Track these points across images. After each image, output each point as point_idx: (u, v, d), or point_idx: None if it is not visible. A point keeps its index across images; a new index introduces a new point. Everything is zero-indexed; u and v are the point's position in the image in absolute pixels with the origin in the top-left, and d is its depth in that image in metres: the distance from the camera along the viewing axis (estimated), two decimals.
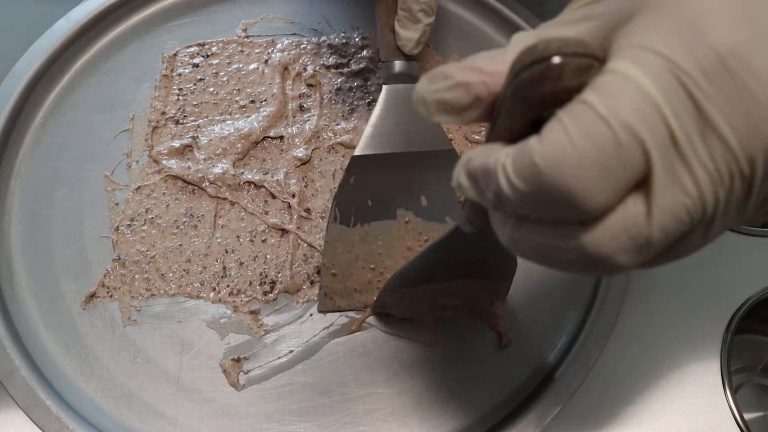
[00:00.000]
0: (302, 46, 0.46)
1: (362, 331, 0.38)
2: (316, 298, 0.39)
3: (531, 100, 0.18)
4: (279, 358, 0.37)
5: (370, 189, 0.38)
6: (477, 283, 0.36)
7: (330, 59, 0.46)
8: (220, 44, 0.46)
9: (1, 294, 0.37)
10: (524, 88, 0.18)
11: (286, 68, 0.45)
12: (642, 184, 0.17)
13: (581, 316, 0.39)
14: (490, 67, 0.20)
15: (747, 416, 0.38)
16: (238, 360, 0.37)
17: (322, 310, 0.38)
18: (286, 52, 0.46)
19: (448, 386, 0.37)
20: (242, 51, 0.46)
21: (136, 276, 0.39)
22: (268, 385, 0.37)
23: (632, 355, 0.38)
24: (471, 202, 0.24)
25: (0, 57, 0.44)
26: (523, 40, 0.20)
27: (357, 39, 0.47)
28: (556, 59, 0.17)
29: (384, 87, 0.39)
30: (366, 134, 0.38)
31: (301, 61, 0.46)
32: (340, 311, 0.38)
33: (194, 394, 0.36)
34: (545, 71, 0.17)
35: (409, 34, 0.38)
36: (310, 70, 0.45)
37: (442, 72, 0.20)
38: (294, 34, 0.47)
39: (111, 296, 0.38)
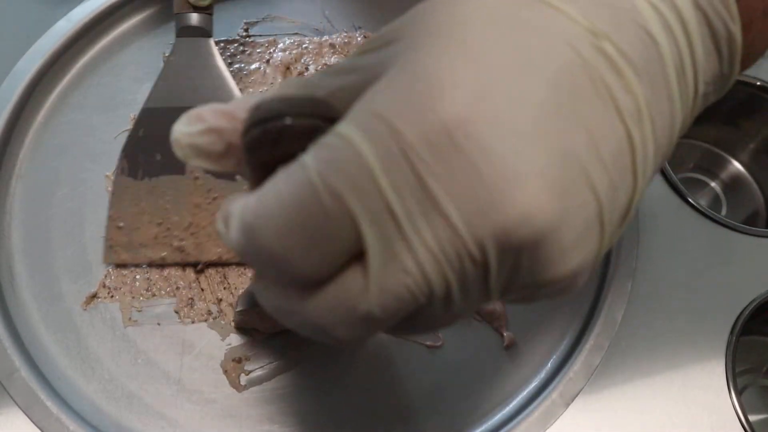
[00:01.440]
0: (304, 46, 0.46)
1: None
2: None
3: (260, 159, 0.17)
4: (280, 359, 0.37)
5: (159, 142, 0.37)
6: None
7: (332, 59, 0.46)
8: (222, 44, 0.45)
9: (1, 294, 0.37)
10: (249, 148, 0.17)
11: (287, 68, 0.45)
12: (363, 255, 0.16)
13: (585, 317, 0.39)
14: (242, 113, 0.18)
15: (752, 418, 0.37)
16: (239, 361, 0.37)
17: (107, 262, 0.38)
18: (287, 52, 0.46)
19: (450, 387, 0.37)
20: (244, 51, 0.45)
21: (137, 276, 0.39)
22: (270, 386, 0.36)
23: (636, 356, 0.38)
24: None
25: (1, 57, 0.44)
26: (284, 88, 0.18)
27: (359, 38, 0.47)
28: (273, 124, 0.16)
29: (176, 40, 0.40)
30: (156, 87, 0.38)
31: (302, 60, 0.46)
32: (125, 265, 0.38)
33: (195, 395, 0.36)
34: (263, 135, 0.16)
35: None
36: (312, 69, 0.45)
37: (198, 114, 0.19)
38: (296, 33, 0.47)
39: (112, 297, 0.38)
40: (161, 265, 0.38)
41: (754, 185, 0.53)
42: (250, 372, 0.37)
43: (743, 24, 0.19)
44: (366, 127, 0.15)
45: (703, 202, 0.45)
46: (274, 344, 0.37)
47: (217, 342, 0.37)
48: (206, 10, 0.40)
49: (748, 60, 0.20)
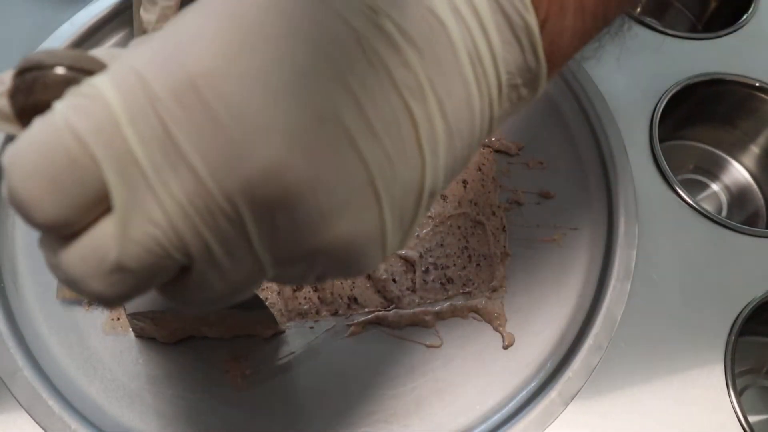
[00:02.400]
0: None
1: (364, 333, 0.38)
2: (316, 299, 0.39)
3: (20, 107, 0.17)
4: (281, 359, 0.37)
5: None
6: (232, 311, 0.34)
7: None
8: None
9: (4, 294, 0.38)
10: (10, 96, 0.17)
11: None
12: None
13: (584, 317, 0.39)
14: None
15: (752, 419, 0.37)
16: (239, 361, 0.37)
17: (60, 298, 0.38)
18: None
19: (450, 387, 0.37)
20: None
21: None
22: (270, 386, 0.37)
23: (635, 356, 0.38)
24: None
25: (4, 61, 0.44)
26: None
27: None
28: (29, 74, 0.16)
29: None
30: None
31: None
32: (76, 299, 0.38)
33: (196, 395, 0.36)
34: (18, 84, 0.16)
35: (147, 17, 0.40)
36: None
37: None
38: None
39: None
40: None
41: (754, 186, 0.53)
42: (250, 372, 0.37)
43: (541, 18, 0.19)
44: (118, 79, 0.15)
45: (703, 203, 0.45)
46: (274, 344, 0.38)
47: (218, 342, 0.37)
48: None
49: (557, 57, 0.20)
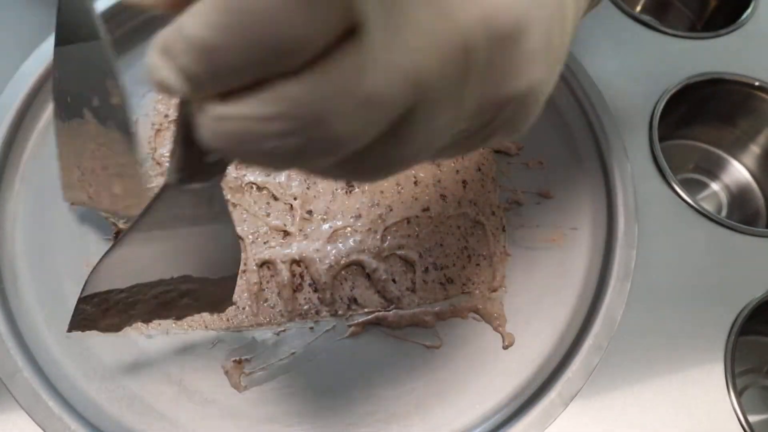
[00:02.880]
0: None
1: (364, 334, 0.38)
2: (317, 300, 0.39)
3: None
4: (281, 359, 0.37)
5: (68, 84, 0.37)
6: (198, 281, 0.31)
7: None
8: None
9: (4, 295, 0.38)
10: None
11: None
12: (356, 32, 0.14)
13: (584, 317, 0.39)
14: None
15: (752, 419, 0.37)
16: (240, 361, 0.37)
17: (65, 200, 0.39)
18: None
19: (450, 388, 0.37)
20: None
21: None
22: (270, 386, 0.37)
23: (635, 357, 0.38)
24: (179, 137, 0.20)
25: (5, 59, 0.44)
26: None
27: None
28: None
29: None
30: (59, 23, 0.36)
31: None
32: (84, 206, 0.39)
33: (196, 396, 0.36)
34: None
35: None
36: None
37: None
38: None
39: None
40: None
41: (754, 185, 0.53)
42: (250, 372, 0.37)
43: None
44: None
45: (702, 202, 0.45)
46: (274, 344, 0.38)
47: (217, 343, 0.37)
48: None
49: None
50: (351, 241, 0.40)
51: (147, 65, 0.15)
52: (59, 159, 0.38)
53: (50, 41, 0.45)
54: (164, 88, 0.15)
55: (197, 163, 0.20)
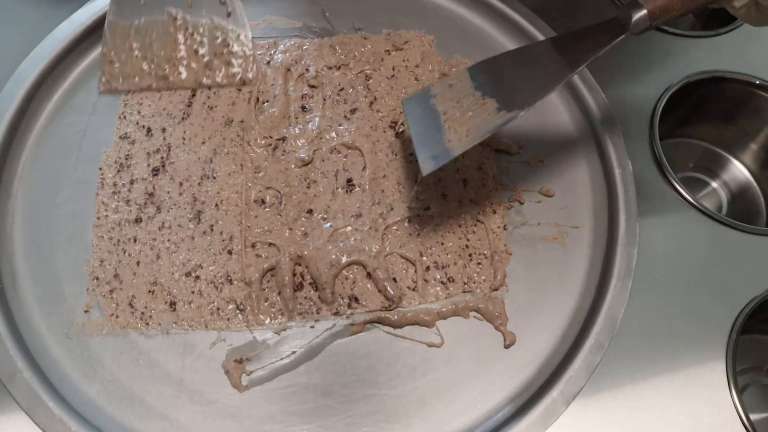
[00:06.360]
0: (304, 47, 0.47)
1: (365, 332, 0.38)
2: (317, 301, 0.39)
3: None
4: (281, 359, 0.37)
5: None
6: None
7: (332, 60, 0.46)
8: None
9: (3, 296, 0.37)
10: None
11: (288, 69, 0.45)
12: None
13: (585, 316, 0.39)
14: None
15: (753, 417, 0.37)
16: (240, 361, 0.37)
17: (102, 91, 0.44)
18: (288, 54, 0.46)
19: (451, 387, 0.37)
20: None
21: None
22: (271, 386, 0.37)
23: (637, 355, 0.38)
24: None
25: (3, 59, 0.44)
26: None
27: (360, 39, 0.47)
28: None
29: None
30: None
31: (303, 62, 0.46)
32: (117, 92, 0.44)
33: (197, 396, 0.36)
34: None
35: None
36: (312, 71, 0.45)
37: None
38: (296, 35, 0.47)
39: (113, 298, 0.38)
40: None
41: (754, 183, 0.53)
42: (251, 372, 0.37)
43: None
44: None
45: (703, 200, 0.45)
46: (274, 344, 0.37)
47: (218, 342, 0.37)
48: None
49: None
50: (352, 240, 0.40)
51: None
52: (103, 55, 0.43)
53: (50, 39, 0.45)
54: None
55: None
